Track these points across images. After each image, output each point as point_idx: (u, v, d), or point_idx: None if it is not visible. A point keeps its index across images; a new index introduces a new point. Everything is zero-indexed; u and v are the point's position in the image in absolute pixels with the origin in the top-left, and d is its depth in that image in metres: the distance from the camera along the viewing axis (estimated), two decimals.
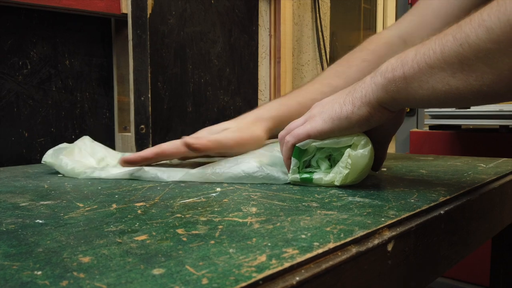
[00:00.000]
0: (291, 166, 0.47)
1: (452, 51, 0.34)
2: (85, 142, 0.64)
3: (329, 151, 0.47)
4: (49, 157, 0.58)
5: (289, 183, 0.49)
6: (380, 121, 0.43)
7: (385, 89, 0.40)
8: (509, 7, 0.30)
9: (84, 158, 0.60)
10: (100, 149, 0.64)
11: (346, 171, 0.44)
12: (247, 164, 0.50)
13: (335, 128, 0.44)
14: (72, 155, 0.59)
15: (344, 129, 0.44)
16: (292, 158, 0.47)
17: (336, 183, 0.46)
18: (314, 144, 0.46)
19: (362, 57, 0.65)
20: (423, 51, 0.37)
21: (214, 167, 0.51)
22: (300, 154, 0.47)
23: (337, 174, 0.45)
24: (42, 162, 0.59)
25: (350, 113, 0.42)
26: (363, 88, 0.42)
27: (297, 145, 0.46)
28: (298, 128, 0.46)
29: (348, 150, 0.44)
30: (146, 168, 0.53)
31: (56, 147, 0.61)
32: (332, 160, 0.48)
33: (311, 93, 0.62)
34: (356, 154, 0.44)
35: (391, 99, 0.40)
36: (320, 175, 0.47)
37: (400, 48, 0.60)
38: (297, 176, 0.47)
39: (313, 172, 0.47)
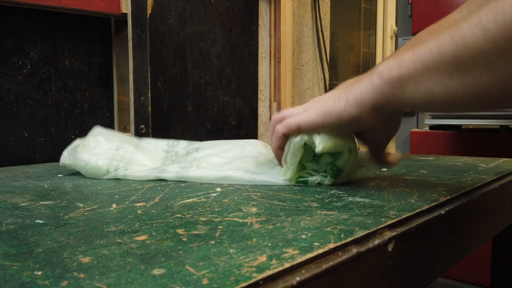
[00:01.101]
0: (288, 165, 0.47)
1: (449, 51, 0.33)
2: (99, 132, 0.60)
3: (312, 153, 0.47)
4: (66, 158, 0.56)
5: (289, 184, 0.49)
6: (370, 124, 0.42)
7: (380, 91, 0.39)
8: (506, 7, 0.29)
9: (101, 149, 0.56)
10: (114, 137, 0.60)
11: (336, 180, 0.46)
12: (243, 170, 0.51)
13: (325, 123, 0.43)
14: (87, 150, 0.56)
15: (334, 125, 0.43)
16: (290, 157, 0.46)
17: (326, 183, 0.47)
18: (309, 140, 0.45)
19: None
20: (419, 51, 0.36)
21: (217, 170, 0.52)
22: (298, 154, 0.46)
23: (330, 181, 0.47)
24: (60, 165, 0.57)
25: (342, 111, 0.42)
26: (359, 88, 0.41)
27: (294, 143, 0.45)
28: (290, 118, 0.46)
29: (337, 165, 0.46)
30: (169, 169, 0.52)
31: (70, 146, 0.58)
32: (318, 162, 0.48)
33: None
34: (345, 169, 0.46)
35: (386, 101, 0.39)
36: (315, 177, 0.47)
37: None
38: (292, 177, 0.47)
39: (308, 175, 0.48)
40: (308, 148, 0.46)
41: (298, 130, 0.45)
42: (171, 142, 0.63)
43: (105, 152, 0.56)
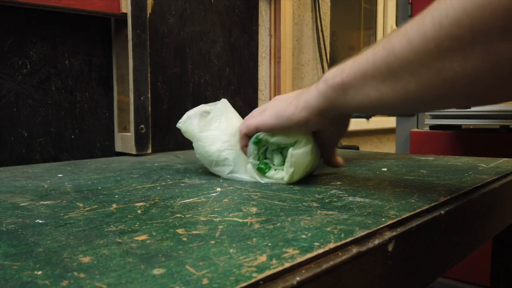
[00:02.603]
0: (251, 150, 0.50)
1: (382, 60, 0.36)
2: (223, 108, 0.57)
3: (277, 146, 0.51)
4: (182, 124, 0.57)
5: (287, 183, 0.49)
6: (317, 126, 0.47)
7: (325, 96, 0.43)
8: (426, 22, 0.32)
9: (219, 132, 0.55)
10: (233, 120, 0.57)
11: (292, 170, 0.48)
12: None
13: (278, 126, 0.48)
14: (208, 130, 0.55)
15: (286, 127, 0.47)
16: (253, 145, 0.50)
17: (285, 180, 0.49)
18: (265, 136, 0.49)
19: None
20: (359, 59, 0.39)
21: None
22: (257, 142, 0.50)
23: (286, 173, 0.49)
24: (177, 126, 0.58)
25: (291, 115, 0.46)
26: (308, 94, 0.45)
27: (254, 136, 0.50)
28: (250, 120, 0.51)
29: (290, 150, 0.48)
30: (270, 173, 0.52)
31: (192, 110, 0.58)
32: (284, 156, 0.51)
33: None
34: (298, 152, 0.48)
35: (330, 105, 0.43)
36: (273, 172, 0.50)
37: None
38: (256, 162, 0.51)
39: (268, 167, 0.51)
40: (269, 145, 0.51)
41: (256, 130, 0.50)
42: None
43: (222, 134, 0.55)
